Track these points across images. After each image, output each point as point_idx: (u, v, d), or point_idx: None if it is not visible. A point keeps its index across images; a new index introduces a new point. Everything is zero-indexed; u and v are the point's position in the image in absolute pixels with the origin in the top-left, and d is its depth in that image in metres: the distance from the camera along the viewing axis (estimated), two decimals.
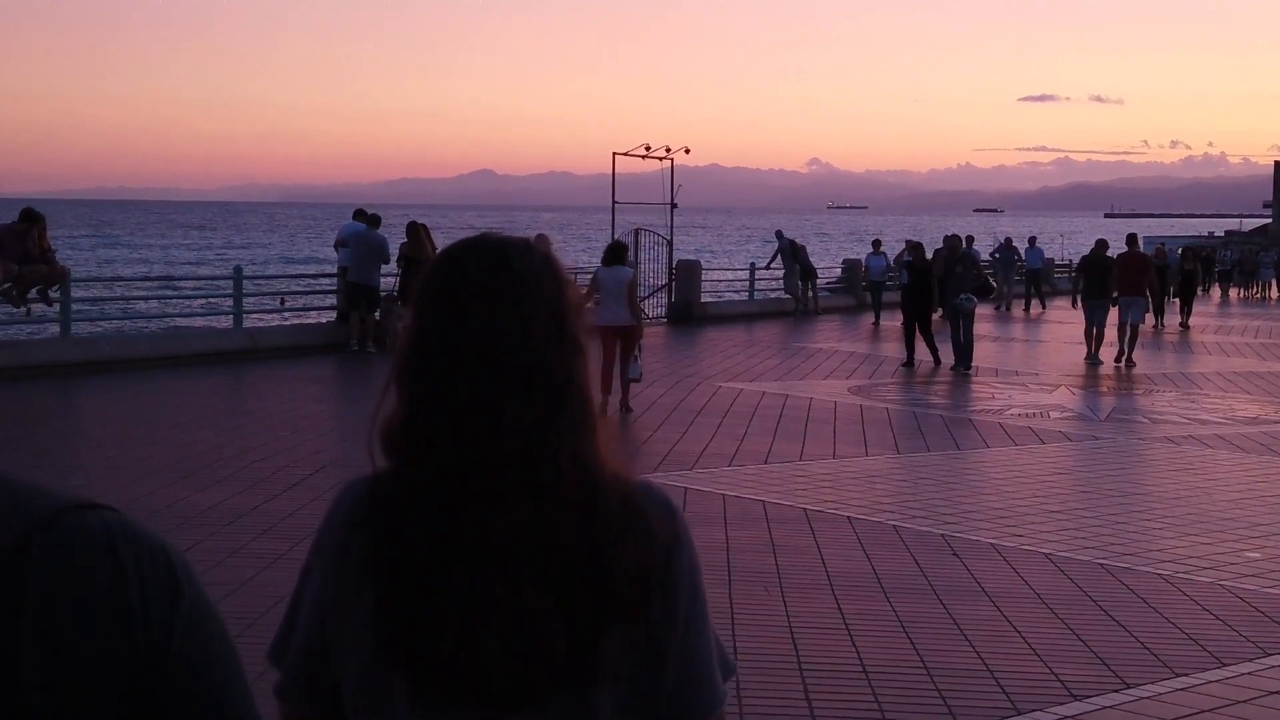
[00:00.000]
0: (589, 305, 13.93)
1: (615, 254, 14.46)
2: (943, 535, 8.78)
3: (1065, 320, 30.35)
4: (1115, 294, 20.21)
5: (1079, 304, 20.95)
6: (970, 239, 26.11)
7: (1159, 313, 27.53)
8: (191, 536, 8.18)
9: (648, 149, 25.60)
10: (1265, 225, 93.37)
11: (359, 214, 20.41)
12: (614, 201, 25.55)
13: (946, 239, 21.01)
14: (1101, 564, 8.14)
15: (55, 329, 17.35)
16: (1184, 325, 28.39)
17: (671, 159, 26.09)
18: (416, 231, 19.90)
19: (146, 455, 10.88)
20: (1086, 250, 22.13)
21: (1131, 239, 22.31)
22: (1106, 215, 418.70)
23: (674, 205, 26.26)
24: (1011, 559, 8.20)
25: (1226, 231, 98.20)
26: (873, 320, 27.49)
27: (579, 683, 1.61)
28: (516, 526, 1.59)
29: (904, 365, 19.26)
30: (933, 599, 7.24)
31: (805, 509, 9.46)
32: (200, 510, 8.96)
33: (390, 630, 1.60)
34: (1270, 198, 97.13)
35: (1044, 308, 33.45)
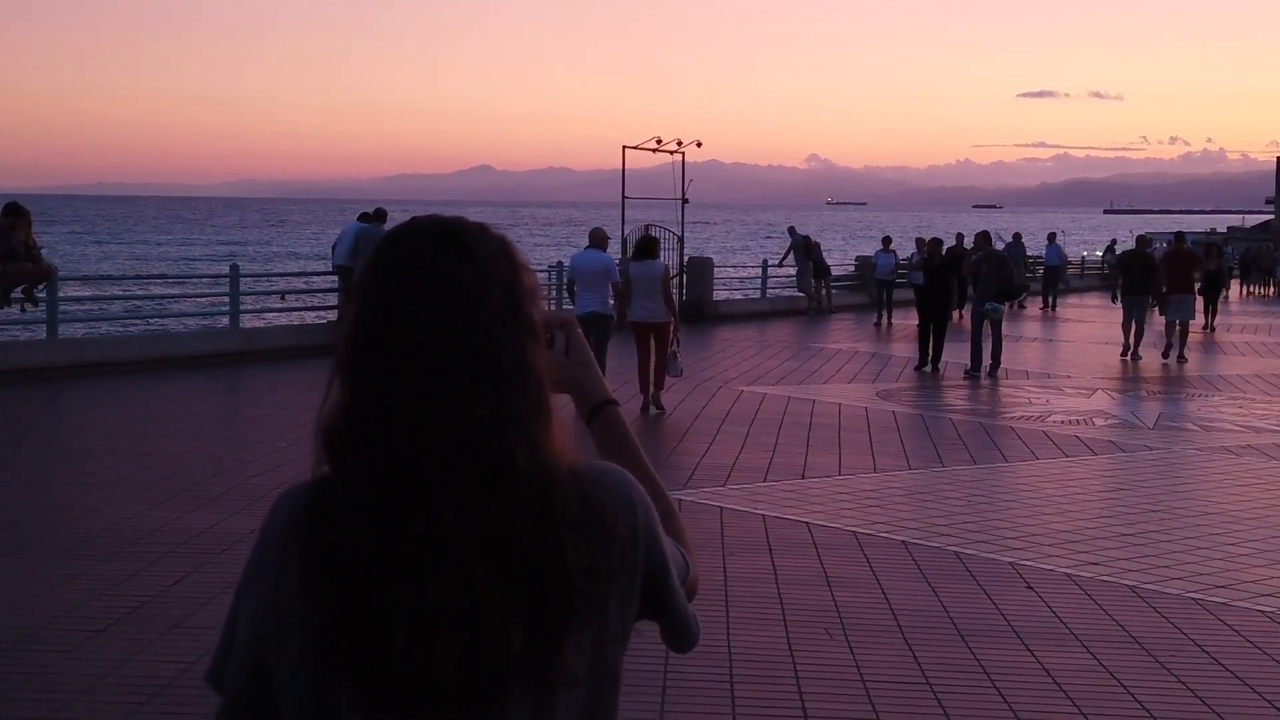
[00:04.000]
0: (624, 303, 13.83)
1: (646, 249, 14.15)
2: (1011, 564, 7.94)
3: (1083, 319, 29.62)
4: (1163, 291, 19.74)
5: (1118, 300, 20.50)
6: (986, 236, 25.07)
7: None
8: (180, 567, 7.36)
9: (659, 143, 24.77)
10: (1268, 221, 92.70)
11: (363, 217, 19.58)
12: (624, 197, 24.70)
13: (977, 236, 20.14)
14: (1194, 598, 7.31)
15: (41, 330, 16.48)
16: (1209, 327, 27.36)
17: (683, 153, 25.28)
18: None
19: (134, 470, 10.04)
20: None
21: (1179, 236, 21.61)
22: (1105, 211, 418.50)
23: (685, 201, 25.44)
24: (1093, 592, 7.36)
25: (1229, 228, 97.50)
26: (876, 319, 26.50)
27: (537, 685, 1.53)
28: (469, 519, 1.51)
29: (916, 369, 18.37)
30: (1016, 643, 6.41)
31: (855, 532, 8.63)
32: (191, 535, 8.12)
33: (337, 641, 1.50)
34: (1273, 193, 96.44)
35: (1054, 308, 32.54)
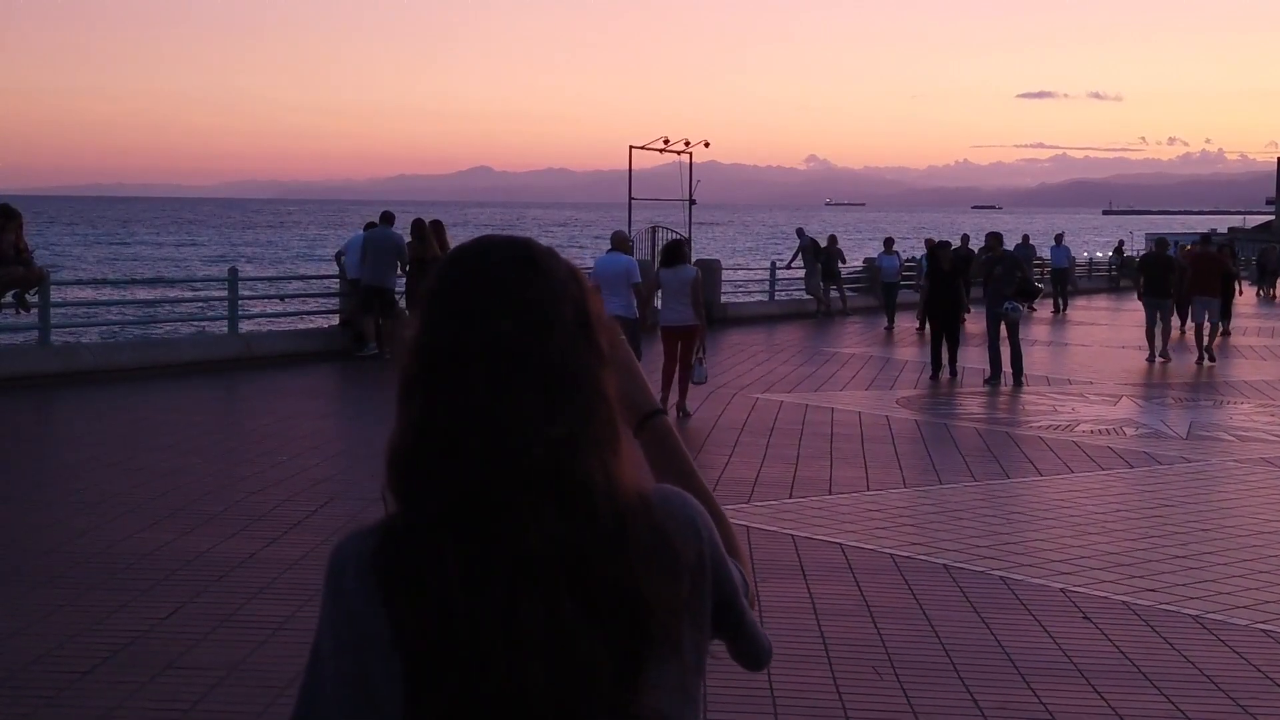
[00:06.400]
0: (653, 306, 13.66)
1: (675, 254, 13.98)
2: (1062, 590, 7.44)
3: (1095, 322, 29.15)
4: (1188, 294, 19.48)
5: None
6: (998, 237, 24.15)
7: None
8: (175, 598, 6.85)
9: (666, 142, 24.29)
10: (1269, 222, 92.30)
11: (369, 227, 18.92)
12: (630, 198, 24.24)
13: (988, 237, 19.58)
14: (1264, 630, 6.81)
15: (33, 336, 15.96)
16: (1225, 331, 26.77)
17: (690, 153, 24.80)
18: (422, 230, 18.54)
19: (127, 487, 9.53)
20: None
21: (1205, 238, 21.20)
22: (1105, 212, 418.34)
23: (692, 201, 24.98)
24: (1155, 624, 6.86)
25: (1230, 228, 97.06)
26: (887, 324, 25.92)
27: (620, 714, 1.47)
28: (551, 542, 1.45)
29: (932, 378, 17.79)
30: (1081, 683, 5.90)
31: (892, 554, 8.13)
32: (187, 559, 7.62)
33: (428, 671, 1.45)
34: (1273, 194, 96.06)
35: (1065, 310, 32.01)
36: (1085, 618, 6.92)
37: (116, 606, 6.67)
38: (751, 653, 1.68)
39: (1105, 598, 7.31)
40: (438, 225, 18.90)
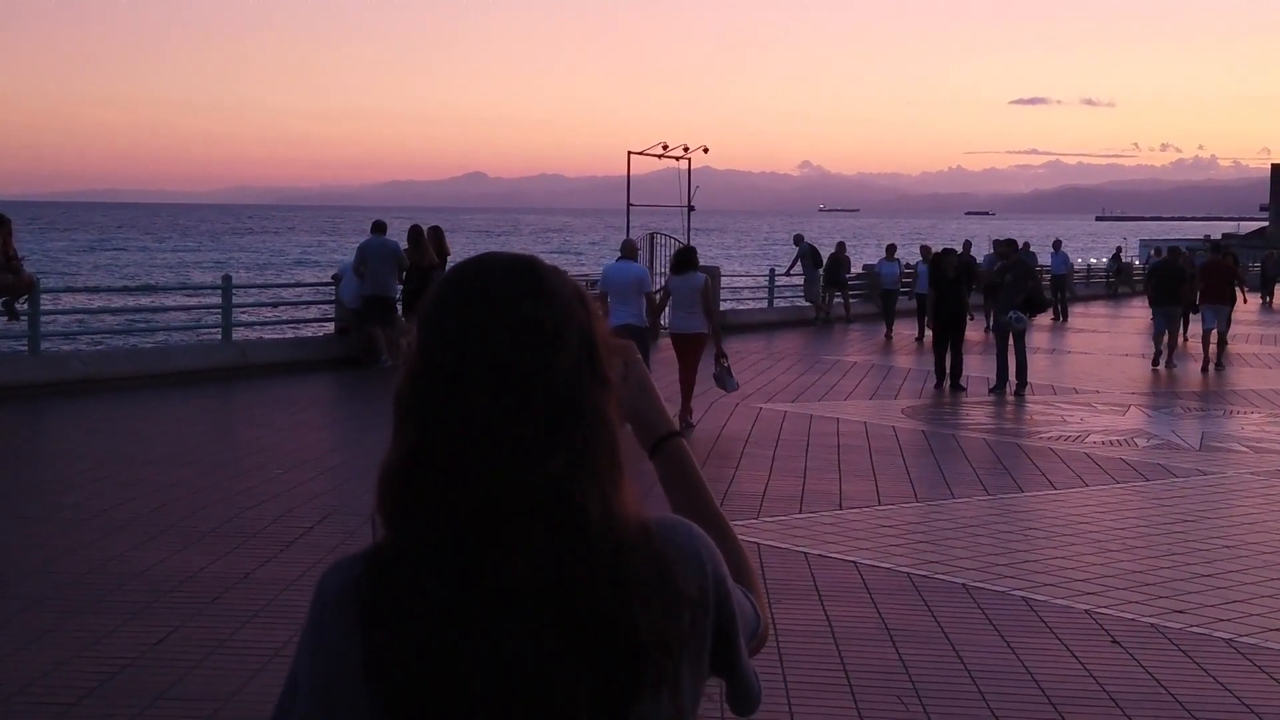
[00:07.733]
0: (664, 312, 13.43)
1: (686, 260, 13.68)
2: (1087, 611, 7.18)
3: (1096, 329, 28.93)
4: (1198, 301, 19.42)
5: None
6: (1012, 242, 23.26)
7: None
8: (166, 622, 6.57)
9: (665, 148, 24.03)
10: (1263, 228, 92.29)
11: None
12: (629, 204, 23.96)
13: (996, 243, 19.30)
14: None
15: (22, 345, 15.66)
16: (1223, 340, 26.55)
17: (689, 159, 24.53)
18: (418, 236, 18.26)
19: (117, 502, 9.24)
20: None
21: (1216, 245, 21.08)
22: (1098, 218, 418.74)
23: (691, 208, 24.71)
24: (1186, 647, 6.60)
25: (1224, 235, 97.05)
26: (887, 332, 25.57)
27: None
28: (541, 573, 1.40)
29: (936, 387, 17.49)
30: (1116, 713, 5.64)
31: (909, 573, 7.86)
32: (179, 580, 7.33)
33: (407, 707, 1.39)
34: (1267, 200, 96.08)
35: (1066, 317, 31.77)
36: (1114, 642, 6.66)
37: (105, 631, 6.38)
38: (741, 695, 1.60)
39: (1133, 620, 7.05)
40: (436, 231, 18.64)
